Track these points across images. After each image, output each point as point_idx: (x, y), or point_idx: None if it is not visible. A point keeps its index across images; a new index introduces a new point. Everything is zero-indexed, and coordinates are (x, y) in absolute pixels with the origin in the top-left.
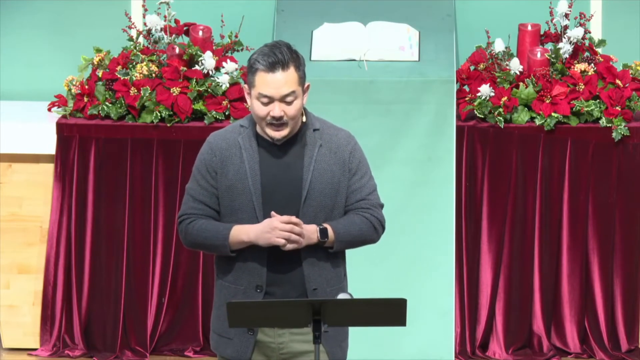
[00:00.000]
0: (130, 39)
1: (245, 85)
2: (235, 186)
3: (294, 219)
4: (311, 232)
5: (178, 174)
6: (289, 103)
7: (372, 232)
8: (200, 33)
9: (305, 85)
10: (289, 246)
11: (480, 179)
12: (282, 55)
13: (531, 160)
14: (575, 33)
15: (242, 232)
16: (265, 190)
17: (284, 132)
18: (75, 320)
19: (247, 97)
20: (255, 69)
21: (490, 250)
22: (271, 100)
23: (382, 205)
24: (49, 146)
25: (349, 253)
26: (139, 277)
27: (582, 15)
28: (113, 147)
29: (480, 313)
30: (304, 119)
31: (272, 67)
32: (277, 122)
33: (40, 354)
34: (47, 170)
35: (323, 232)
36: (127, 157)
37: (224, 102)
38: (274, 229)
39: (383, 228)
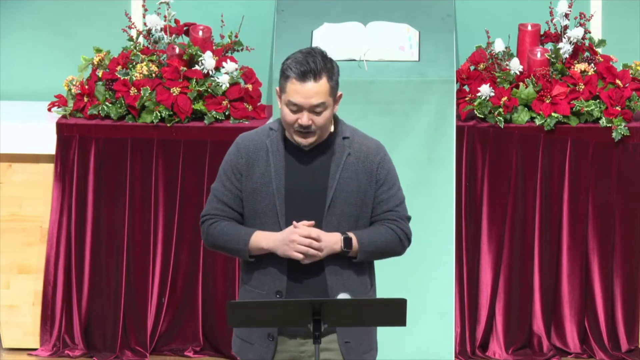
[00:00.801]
0: (130, 39)
1: (277, 88)
2: (260, 189)
3: (313, 233)
4: (334, 241)
5: (178, 174)
6: (318, 113)
7: (397, 244)
8: (200, 33)
9: (337, 95)
10: (307, 260)
11: (480, 179)
12: (315, 65)
13: (531, 160)
14: (575, 33)
15: (263, 239)
16: (289, 195)
17: (310, 140)
18: (75, 320)
19: (278, 99)
20: (287, 76)
21: (490, 250)
22: (300, 109)
23: (409, 218)
24: (49, 146)
25: None
26: (139, 277)
27: (582, 15)
28: (113, 147)
29: (480, 313)
30: (333, 127)
31: (303, 77)
32: (305, 131)
33: (40, 354)
34: (47, 170)
35: (347, 242)
36: (127, 157)
37: (224, 102)
38: (292, 242)
39: (409, 241)
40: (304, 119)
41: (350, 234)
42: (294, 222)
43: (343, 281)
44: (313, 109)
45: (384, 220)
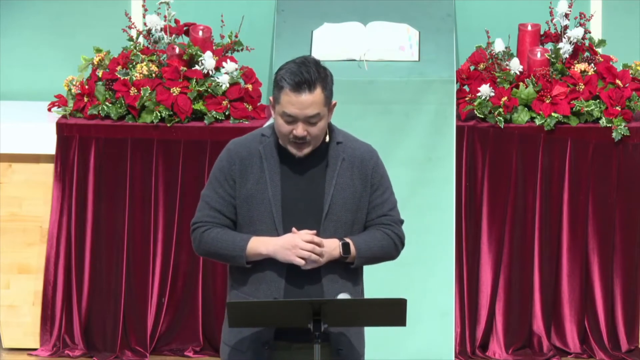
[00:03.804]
0: (130, 39)
1: (271, 98)
2: (254, 196)
3: (316, 238)
4: (332, 247)
5: (178, 174)
6: (313, 124)
7: (392, 248)
8: (200, 33)
9: (332, 104)
10: (308, 266)
11: (480, 179)
12: (309, 75)
13: (531, 160)
14: (575, 33)
15: (261, 244)
16: (285, 201)
17: (305, 150)
18: (75, 320)
19: (271, 109)
20: (281, 87)
21: (490, 250)
22: (295, 120)
23: (402, 222)
24: (49, 146)
25: None
26: (139, 277)
27: (582, 15)
28: (113, 147)
29: (480, 313)
30: (327, 137)
31: (298, 87)
32: (300, 142)
33: (40, 354)
34: (47, 170)
35: (345, 247)
36: (127, 157)
37: (224, 102)
38: (294, 247)
39: (403, 245)
40: (299, 130)
41: (348, 240)
42: (293, 229)
43: (340, 289)
44: (308, 120)
45: (378, 225)
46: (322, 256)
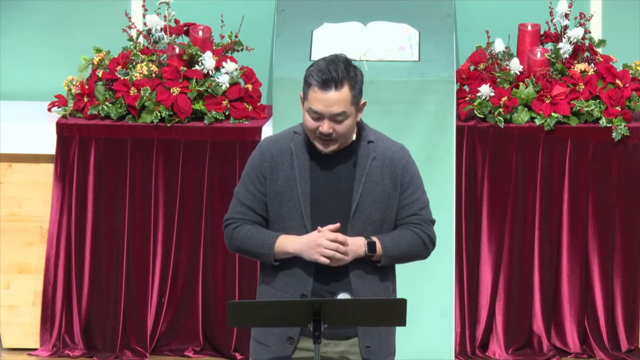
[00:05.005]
0: (130, 39)
1: (301, 94)
2: (284, 192)
3: (340, 237)
4: (358, 245)
5: (178, 174)
6: (339, 122)
7: (421, 248)
8: (200, 33)
9: (361, 103)
10: (333, 264)
11: (480, 179)
12: (336, 73)
13: (531, 160)
14: (575, 33)
15: (288, 243)
16: (314, 198)
17: (331, 147)
18: (75, 320)
19: (301, 105)
20: (309, 84)
21: (490, 250)
22: (321, 116)
23: (433, 222)
24: (49, 146)
25: None
26: (139, 277)
27: (582, 15)
28: (113, 147)
29: (480, 313)
30: (354, 135)
31: (325, 85)
32: (326, 138)
33: (40, 354)
34: (47, 170)
35: (371, 246)
36: (127, 157)
37: (224, 102)
38: (319, 246)
39: (433, 244)
40: (325, 127)
41: (374, 238)
42: (319, 227)
43: (368, 285)
44: (334, 118)
45: (408, 224)
46: (346, 254)
